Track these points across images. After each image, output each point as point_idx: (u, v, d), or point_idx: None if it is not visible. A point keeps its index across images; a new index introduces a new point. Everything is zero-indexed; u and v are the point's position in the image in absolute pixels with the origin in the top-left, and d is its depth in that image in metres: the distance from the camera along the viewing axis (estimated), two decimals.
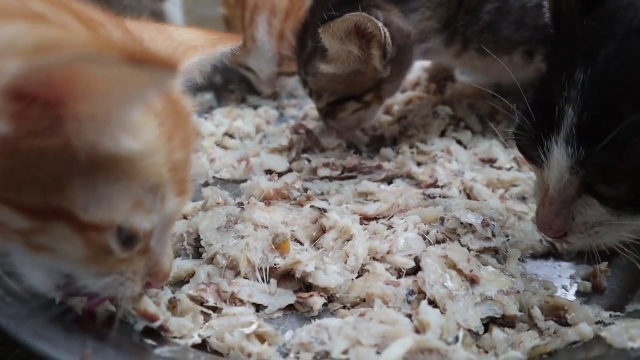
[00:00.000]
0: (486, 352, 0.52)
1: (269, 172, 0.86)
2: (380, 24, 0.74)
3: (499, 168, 0.87)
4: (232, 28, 1.07)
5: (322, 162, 0.85)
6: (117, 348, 0.43)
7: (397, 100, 1.05)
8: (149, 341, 0.50)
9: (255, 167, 0.87)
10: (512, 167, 0.88)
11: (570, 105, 0.51)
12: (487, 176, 0.83)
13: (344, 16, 0.73)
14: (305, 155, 0.89)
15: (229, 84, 1.17)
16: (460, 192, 0.80)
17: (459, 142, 0.95)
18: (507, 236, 0.70)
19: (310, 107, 1.06)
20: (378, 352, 0.47)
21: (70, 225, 0.40)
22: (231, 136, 0.99)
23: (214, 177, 0.88)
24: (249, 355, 0.50)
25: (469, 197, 0.79)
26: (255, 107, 1.08)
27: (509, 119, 0.97)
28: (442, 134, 0.97)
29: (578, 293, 0.66)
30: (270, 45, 1.04)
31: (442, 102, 1.04)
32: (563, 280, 0.68)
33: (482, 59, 0.90)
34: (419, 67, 1.12)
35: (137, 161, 0.41)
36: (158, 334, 0.51)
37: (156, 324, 0.50)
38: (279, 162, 0.89)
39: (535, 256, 0.72)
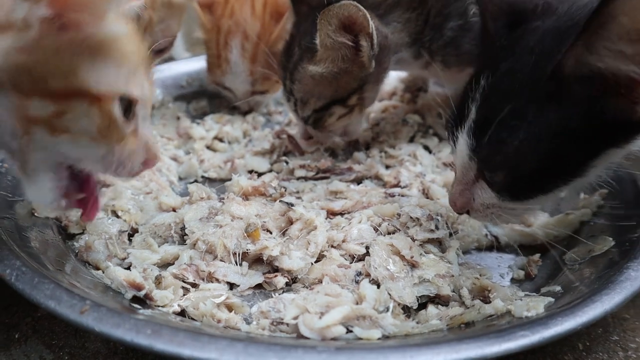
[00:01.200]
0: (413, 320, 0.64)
1: (252, 172, 0.98)
2: (369, 17, 0.84)
3: None
4: (210, 50, 1.16)
5: (299, 164, 0.97)
6: (109, 307, 0.54)
7: (374, 108, 1.17)
8: (136, 305, 0.62)
9: (240, 167, 0.99)
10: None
11: (473, 104, 0.64)
12: (446, 178, 0.95)
13: (341, 2, 0.82)
14: (284, 157, 1.01)
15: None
16: (419, 191, 0.91)
17: (426, 147, 1.07)
18: (455, 231, 0.82)
19: None
20: (320, 318, 0.59)
21: (86, 99, 0.53)
22: (221, 140, 1.11)
23: (202, 177, 1.00)
24: (219, 321, 0.62)
25: (426, 196, 0.90)
26: (244, 114, 1.20)
27: None
28: (412, 140, 1.09)
29: (512, 280, 0.77)
30: (243, 67, 1.13)
31: (414, 111, 1.16)
32: (501, 269, 0.80)
33: (447, 71, 1.01)
34: (395, 78, 1.24)
35: (124, 44, 0.55)
36: (144, 302, 0.63)
37: (142, 293, 0.62)
38: (261, 164, 1.01)
39: (480, 248, 0.83)
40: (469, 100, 0.64)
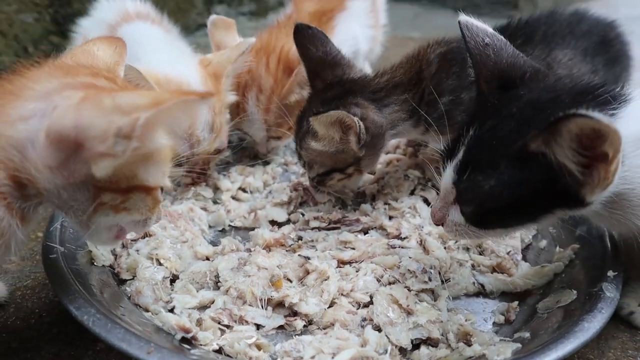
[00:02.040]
0: None
1: (272, 222, 1.15)
2: (356, 120, 1.02)
3: None
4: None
5: (313, 216, 1.14)
6: (167, 348, 0.70)
7: (380, 160, 1.33)
8: (185, 346, 0.78)
9: (262, 217, 1.15)
10: None
11: (462, 147, 0.79)
12: (441, 230, 1.10)
13: (329, 112, 1.02)
14: (300, 210, 1.17)
15: (243, 141, 1.46)
16: (417, 243, 1.07)
17: (425, 199, 1.23)
18: (447, 279, 0.97)
19: None
20: (332, 358, 0.74)
21: (143, 191, 0.71)
22: (244, 190, 1.27)
23: (229, 225, 1.16)
24: (250, 358, 0.78)
25: (424, 248, 1.06)
26: (264, 164, 1.37)
27: None
28: (412, 192, 1.25)
29: (494, 323, 0.93)
30: (258, 116, 1.32)
31: (415, 165, 1.32)
32: (485, 314, 0.95)
33: (442, 136, 1.18)
34: None
35: (167, 150, 0.73)
36: (190, 342, 0.79)
37: (189, 335, 0.79)
38: (280, 214, 1.17)
39: (468, 295, 0.99)
40: (459, 142, 0.80)
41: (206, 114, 1.12)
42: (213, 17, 1.35)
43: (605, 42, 1.33)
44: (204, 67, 1.19)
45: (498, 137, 0.76)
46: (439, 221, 0.86)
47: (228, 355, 0.79)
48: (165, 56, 1.19)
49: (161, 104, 0.62)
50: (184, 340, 0.80)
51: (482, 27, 0.90)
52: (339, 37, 1.45)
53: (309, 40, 1.13)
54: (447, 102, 1.13)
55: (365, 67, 1.82)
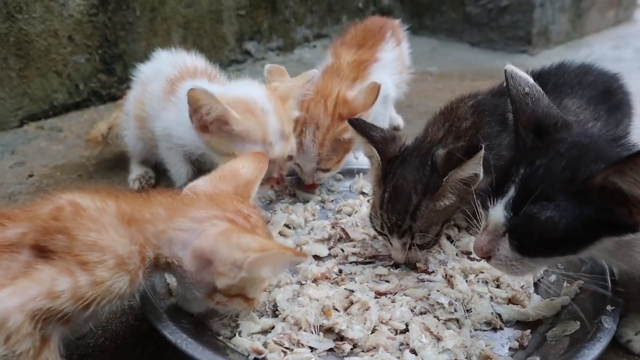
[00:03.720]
0: None
1: (315, 256, 1.34)
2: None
3: (472, 259, 1.33)
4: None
5: (352, 252, 1.33)
6: None
7: None
8: None
9: (306, 253, 1.34)
10: (482, 259, 1.33)
11: (513, 185, 0.92)
12: (463, 265, 1.29)
13: (467, 162, 1.13)
14: (340, 245, 1.36)
15: (291, 175, 1.63)
16: (443, 277, 1.25)
17: (448, 237, 1.42)
18: (469, 310, 1.16)
19: (343, 204, 1.55)
20: None
21: (243, 298, 0.94)
22: (288, 226, 1.47)
23: None
24: None
25: (448, 282, 1.24)
26: (304, 202, 1.57)
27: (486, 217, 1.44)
28: None
29: (510, 348, 1.11)
30: (313, 149, 1.53)
31: None
32: (502, 340, 1.13)
33: None
34: None
35: (267, 279, 0.94)
36: None
37: (261, 356, 0.98)
38: (322, 249, 1.36)
39: (488, 324, 1.17)
40: (509, 181, 0.93)
41: (275, 123, 1.34)
42: (268, 65, 1.55)
43: (608, 92, 1.52)
44: (271, 90, 1.41)
45: (552, 173, 0.89)
46: (486, 254, 0.97)
47: None
48: (234, 85, 1.43)
49: (266, 251, 0.88)
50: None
51: (525, 77, 1.07)
52: None
53: (365, 125, 1.28)
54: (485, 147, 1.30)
55: (392, 111, 2.03)
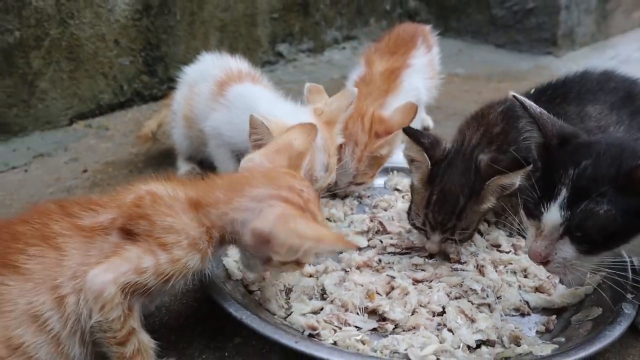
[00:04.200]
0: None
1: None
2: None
3: (502, 252, 1.45)
4: None
5: (390, 243, 1.46)
6: (307, 339, 1.03)
7: None
8: (314, 339, 1.11)
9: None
10: (510, 251, 1.46)
11: (564, 187, 1.00)
12: (493, 257, 1.41)
13: (494, 179, 1.27)
14: (378, 237, 1.50)
15: None
16: (474, 267, 1.38)
17: (479, 231, 1.54)
18: (499, 297, 1.28)
19: (379, 200, 1.68)
20: (421, 350, 1.06)
21: (297, 264, 1.06)
22: (329, 219, 1.60)
23: None
24: (358, 349, 1.10)
25: (479, 271, 1.36)
26: (342, 198, 1.70)
27: (515, 213, 1.56)
28: None
29: (537, 332, 1.23)
30: (351, 164, 1.65)
31: None
32: (530, 325, 1.25)
33: None
34: None
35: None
36: (314, 337, 1.12)
37: (315, 332, 1.12)
38: (362, 241, 1.49)
39: (516, 310, 1.28)
40: (558, 184, 1.01)
41: (323, 157, 1.44)
42: (307, 84, 1.65)
43: (630, 97, 1.61)
44: (317, 116, 1.50)
45: (600, 171, 0.99)
46: (545, 259, 1.04)
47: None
48: (283, 109, 1.51)
49: (320, 240, 0.98)
50: (310, 335, 1.12)
51: (529, 101, 1.20)
52: (405, 91, 1.79)
53: (417, 134, 1.40)
54: (513, 150, 1.41)
55: (422, 113, 2.15)
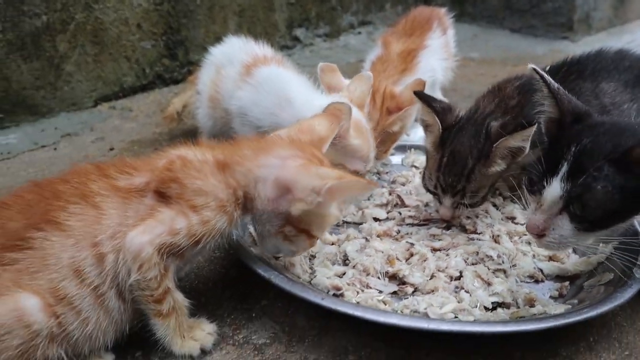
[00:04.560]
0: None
1: (375, 219, 1.54)
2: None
3: (517, 223, 1.51)
4: None
5: (408, 215, 1.52)
6: (332, 298, 1.10)
7: None
8: (339, 298, 1.18)
9: (367, 215, 1.54)
10: (524, 223, 1.51)
11: (566, 162, 1.04)
12: (508, 228, 1.47)
13: (526, 130, 1.31)
14: (397, 209, 1.56)
15: None
16: (490, 237, 1.44)
17: (494, 204, 1.60)
18: (513, 265, 1.34)
19: (397, 175, 1.74)
20: (440, 309, 1.13)
21: (307, 235, 1.12)
22: None
23: (342, 221, 1.56)
24: (380, 308, 1.17)
25: (495, 241, 1.42)
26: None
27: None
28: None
29: (550, 297, 1.29)
30: None
31: None
32: (544, 290, 1.31)
33: None
34: None
35: (333, 219, 1.13)
36: (337, 297, 1.19)
37: (339, 292, 1.19)
38: (381, 213, 1.56)
39: (531, 277, 1.34)
40: (561, 159, 1.04)
41: (372, 142, 1.50)
42: (321, 64, 1.70)
43: None
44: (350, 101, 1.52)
45: (598, 148, 1.03)
46: (542, 231, 1.07)
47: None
48: (316, 94, 1.57)
49: (342, 179, 1.03)
50: (335, 295, 1.19)
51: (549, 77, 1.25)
52: (422, 71, 1.84)
53: (428, 97, 1.47)
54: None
55: (438, 95, 2.21)
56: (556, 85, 1.20)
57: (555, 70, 1.56)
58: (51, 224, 1.02)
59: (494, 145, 1.35)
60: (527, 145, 1.35)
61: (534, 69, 1.21)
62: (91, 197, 1.05)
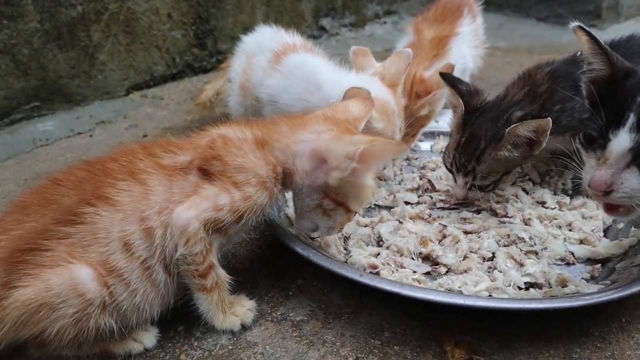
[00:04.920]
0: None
1: (406, 202, 1.57)
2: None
3: (547, 208, 1.53)
4: None
5: (439, 199, 1.55)
6: (370, 275, 1.14)
7: None
8: (375, 276, 1.22)
9: (399, 199, 1.57)
10: (555, 208, 1.53)
11: (632, 112, 0.99)
12: (539, 212, 1.50)
13: (540, 120, 1.35)
14: (428, 194, 1.59)
15: None
16: (521, 221, 1.46)
17: (524, 189, 1.62)
18: (545, 248, 1.36)
19: (427, 161, 1.77)
20: (475, 287, 1.16)
21: (345, 209, 1.15)
22: (380, 179, 1.70)
23: (374, 204, 1.59)
24: (413, 287, 1.20)
25: (526, 224, 1.45)
26: (392, 159, 1.80)
27: (559, 174, 1.63)
28: (514, 184, 1.64)
29: (582, 279, 1.31)
30: None
31: None
32: (575, 273, 1.33)
33: (552, 138, 1.51)
34: None
35: (369, 191, 1.16)
36: (376, 274, 1.23)
37: (375, 271, 1.23)
38: (412, 197, 1.59)
39: (562, 259, 1.37)
40: (627, 110, 0.99)
41: (399, 123, 1.53)
42: (353, 47, 1.71)
43: None
44: (380, 80, 1.55)
45: None
46: (610, 187, 1.00)
47: None
48: (347, 76, 1.58)
49: (373, 141, 1.06)
50: (372, 273, 1.23)
51: None
52: (453, 57, 1.86)
53: (454, 79, 1.51)
54: (557, 110, 1.50)
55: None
56: (600, 44, 1.19)
57: None
58: (101, 200, 1.06)
59: (506, 130, 1.38)
60: (544, 139, 1.38)
61: (580, 27, 1.15)
62: (138, 174, 1.10)
